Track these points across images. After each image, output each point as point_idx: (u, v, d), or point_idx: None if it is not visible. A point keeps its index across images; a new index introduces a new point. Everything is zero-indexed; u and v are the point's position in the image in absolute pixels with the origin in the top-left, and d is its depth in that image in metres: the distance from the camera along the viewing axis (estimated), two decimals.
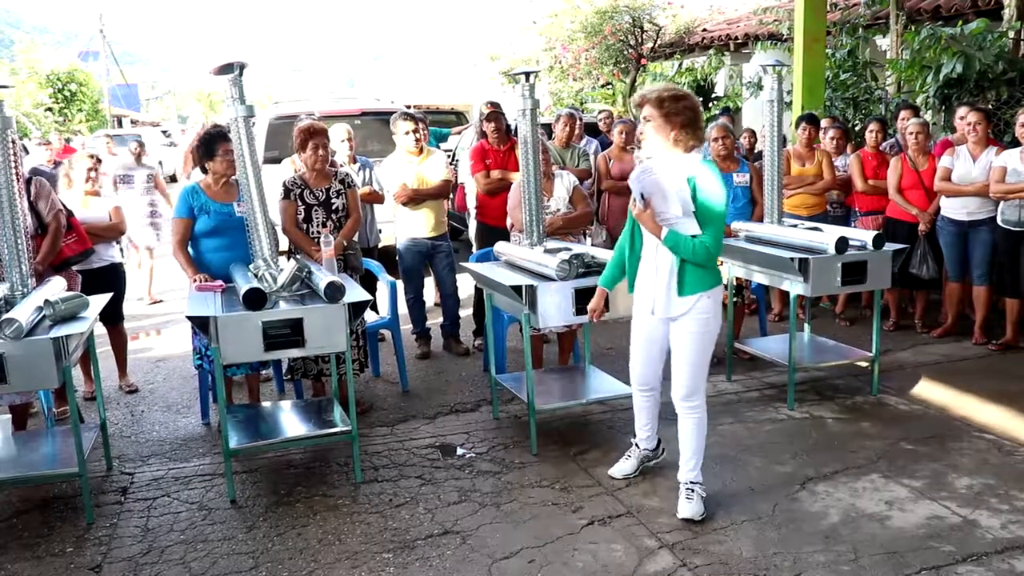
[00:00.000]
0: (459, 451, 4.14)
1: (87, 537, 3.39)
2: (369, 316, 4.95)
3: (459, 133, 10.28)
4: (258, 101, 18.19)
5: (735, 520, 3.34)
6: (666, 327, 3.39)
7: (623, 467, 3.76)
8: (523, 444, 4.15)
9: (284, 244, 4.53)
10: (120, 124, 33.65)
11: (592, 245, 5.30)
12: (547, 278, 3.95)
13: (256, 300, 3.49)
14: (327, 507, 3.58)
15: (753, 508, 3.44)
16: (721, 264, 4.71)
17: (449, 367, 5.55)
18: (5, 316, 3.21)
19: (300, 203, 4.56)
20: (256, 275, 3.81)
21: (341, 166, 5.44)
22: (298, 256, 4.29)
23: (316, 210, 4.57)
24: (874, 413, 4.48)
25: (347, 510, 3.55)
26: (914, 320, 6.12)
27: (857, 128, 7.88)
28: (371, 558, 3.16)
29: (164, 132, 27.85)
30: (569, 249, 4.12)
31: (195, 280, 4.15)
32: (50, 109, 27.92)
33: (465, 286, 6.23)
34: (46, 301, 3.46)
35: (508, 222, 5.07)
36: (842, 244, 4.33)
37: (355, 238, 4.78)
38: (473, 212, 6.31)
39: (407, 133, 5.56)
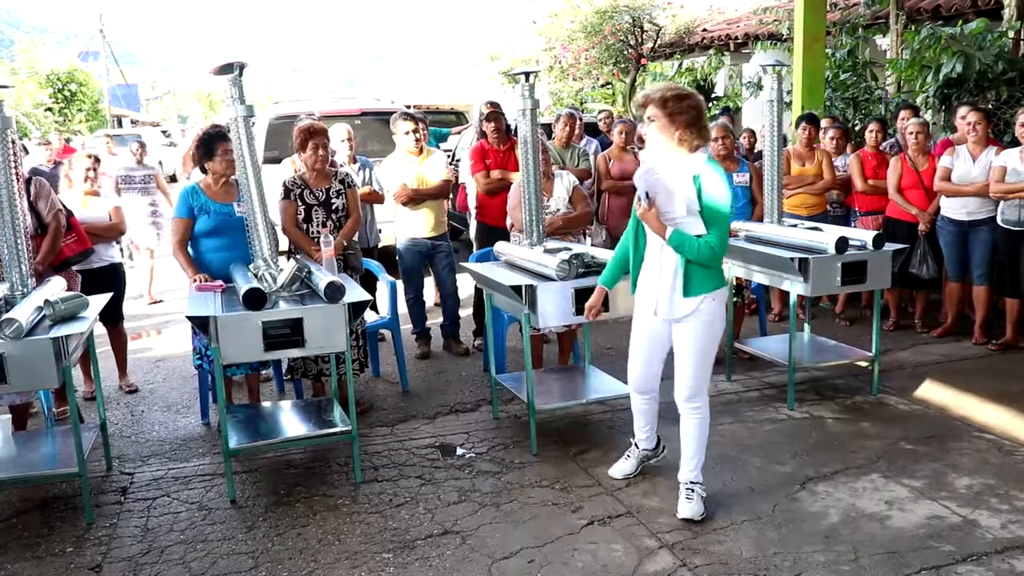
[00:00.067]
0: (459, 451, 4.14)
1: (87, 537, 3.40)
2: (369, 316, 4.94)
3: (459, 133, 10.29)
4: (258, 101, 18.18)
5: (735, 520, 3.34)
6: (669, 328, 3.37)
7: (623, 467, 3.76)
8: (523, 444, 4.15)
9: (284, 244, 4.53)
10: (120, 124, 33.65)
11: (592, 245, 5.30)
12: (547, 278, 3.95)
13: (256, 300, 3.49)
14: (327, 507, 3.58)
15: (753, 508, 3.44)
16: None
17: (449, 367, 5.55)
18: (5, 316, 3.21)
19: (300, 203, 4.56)
20: (256, 275, 3.81)
21: (341, 166, 5.44)
22: (298, 256, 4.29)
23: (316, 210, 4.57)
24: (874, 413, 4.48)
25: (347, 510, 3.55)
26: (914, 320, 6.12)
27: (857, 128, 7.88)
28: (371, 558, 3.16)
29: (164, 132, 27.85)
30: (569, 249, 4.11)
31: (195, 280, 4.15)
32: (50, 109, 27.93)
33: (465, 286, 6.23)
34: (46, 301, 3.46)
35: (508, 222, 5.07)
36: (842, 244, 4.33)
37: (355, 238, 4.78)
38: (473, 212, 6.31)
39: (407, 133, 5.56)
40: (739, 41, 12.27)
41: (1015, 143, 5.37)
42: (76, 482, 3.70)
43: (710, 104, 11.94)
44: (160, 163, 10.45)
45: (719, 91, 12.97)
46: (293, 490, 3.75)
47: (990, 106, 6.74)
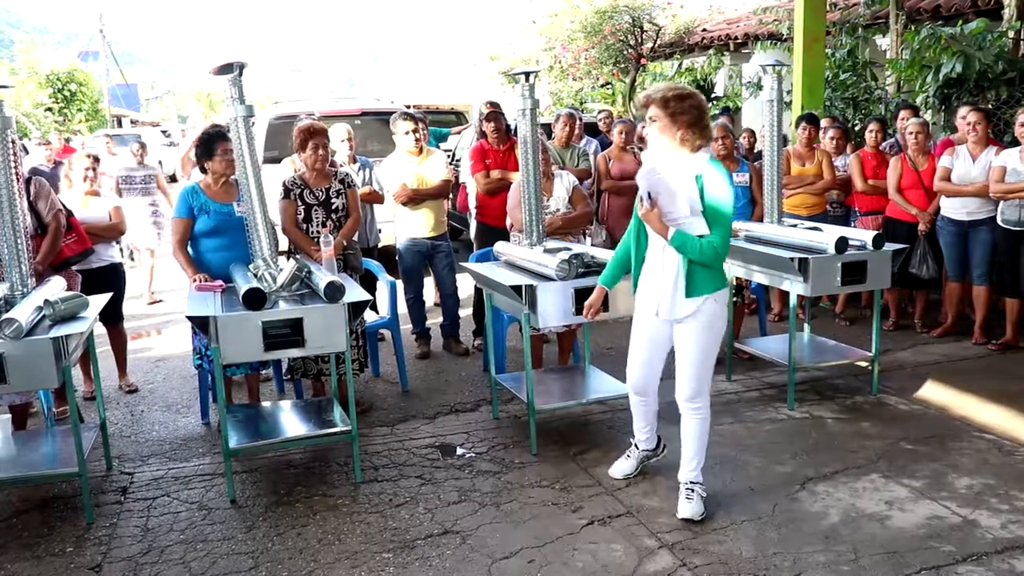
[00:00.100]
0: (459, 451, 4.14)
1: (87, 537, 3.39)
2: (369, 316, 4.94)
3: (459, 133, 10.29)
4: (258, 101, 18.20)
5: (735, 520, 3.34)
6: (669, 329, 3.36)
7: (623, 467, 3.76)
8: (523, 444, 4.15)
9: (284, 244, 4.53)
10: (120, 124, 33.66)
11: (592, 245, 5.30)
12: (547, 278, 3.95)
13: (256, 300, 3.49)
14: (327, 507, 3.58)
15: (753, 508, 3.44)
16: None
17: (449, 367, 5.55)
18: (5, 316, 3.21)
19: (300, 203, 4.56)
20: (256, 275, 3.81)
21: (341, 166, 5.44)
22: (298, 256, 4.29)
23: (316, 210, 4.57)
24: (874, 413, 4.48)
25: (347, 510, 3.55)
26: (914, 320, 6.12)
27: (857, 128, 7.88)
28: (371, 558, 3.16)
29: (164, 132, 27.85)
30: (569, 249, 4.11)
31: (195, 280, 4.15)
32: (50, 109, 27.93)
33: (465, 286, 6.23)
34: (46, 301, 3.46)
35: (508, 222, 5.07)
36: (842, 244, 4.33)
37: (355, 238, 4.78)
38: (473, 212, 6.31)
39: (407, 133, 5.56)
40: (739, 41, 12.27)
41: (1015, 143, 5.37)
42: (76, 482, 3.70)
43: (710, 104, 11.94)
44: (160, 163, 10.45)
45: (719, 91, 12.97)
46: (293, 490, 3.75)
47: (990, 106, 6.74)
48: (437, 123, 10.27)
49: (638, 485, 3.68)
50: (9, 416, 4.26)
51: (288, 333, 3.54)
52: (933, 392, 4.75)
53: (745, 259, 4.79)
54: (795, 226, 4.82)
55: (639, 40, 13.60)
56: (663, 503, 3.48)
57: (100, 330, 4.50)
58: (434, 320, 6.04)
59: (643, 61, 13.56)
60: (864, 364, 4.99)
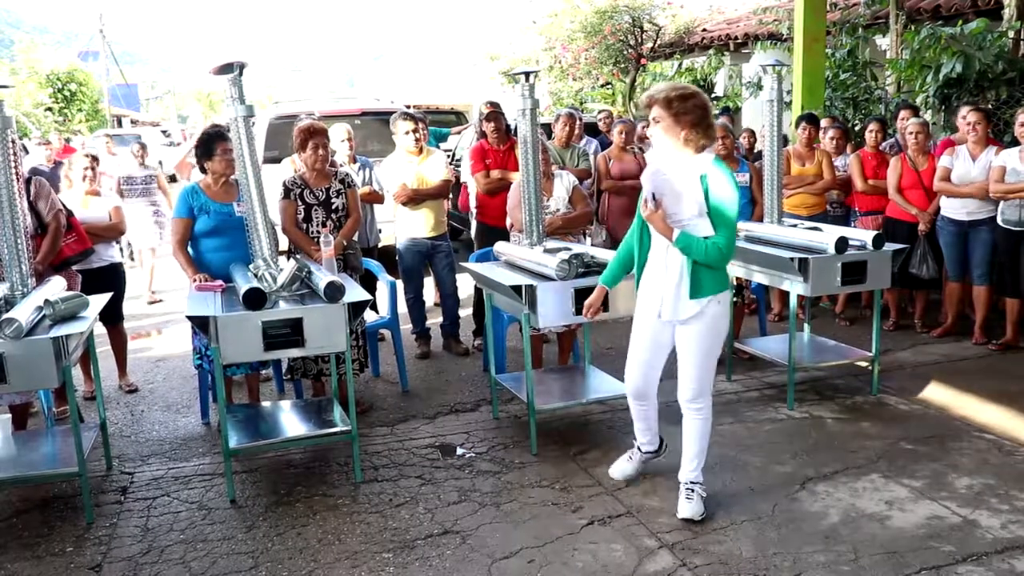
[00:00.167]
0: (459, 451, 4.14)
1: (87, 537, 3.39)
2: (369, 316, 4.94)
3: (459, 133, 10.29)
4: (258, 101, 18.20)
5: (735, 520, 3.34)
6: (671, 330, 3.33)
7: (624, 469, 3.71)
8: (523, 444, 4.15)
9: (284, 244, 4.53)
10: (120, 124, 33.66)
11: (592, 245, 5.30)
12: (547, 278, 3.95)
13: (256, 300, 3.49)
14: (327, 507, 3.58)
15: (753, 508, 3.44)
16: None
17: (449, 367, 5.55)
18: (5, 316, 3.21)
19: (300, 203, 4.56)
20: (256, 275, 3.81)
21: (341, 166, 5.44)
22: (298, 256, 4.29)
23: (316, 210, 4.57)
24: (874, 413, 4.48)
25: (347, 510, 3.55)
26: (914, 320, 6.12)
27: (857, 128, 7.88)
28: (371, 558, 3.16)
29: (164, 132, 27.87)
30: (569, 249, 4.11)
31: (195, 280, 4.15)
32: (50, 109, 27.94)
33: (465, 286, 6.23)
34: (46, 301, 3.46)
35: (508, 222, 5.07)
36: (842, 244, 4.33)
37: (355, 238, 4.78)
38: (474, 212, 6.32)
39: (407, 133, 5.56)
40: (739, 41, 12.27)
41: (1015, 143, 5.37)
42: (76, 482, 3.70)
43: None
44: (160, 163, 10.46)
45: (719, 91, 12.97)
46: (293, 490, 3.75)
47: (990, 106, 6.74)
48: (437, 123, 10.27)
49: (638, 485, 3.67)
50: (9, 416, 4.26)
51: (288, 333, 3.54)
52: (933, 392, 4.76)
53: (745, 259, 4.79)
54: (795, 226, 4.83)
55: (639, 40, 13.60)
56: (663, 503, 3.48)
57: (100, 330, 4.50)
58: (434, 320, 6.04)
59: (643, 61, 13.56)
60: (864, 364, 4.99)
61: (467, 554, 3.17)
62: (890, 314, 6.11)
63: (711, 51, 12.97)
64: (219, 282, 4.06)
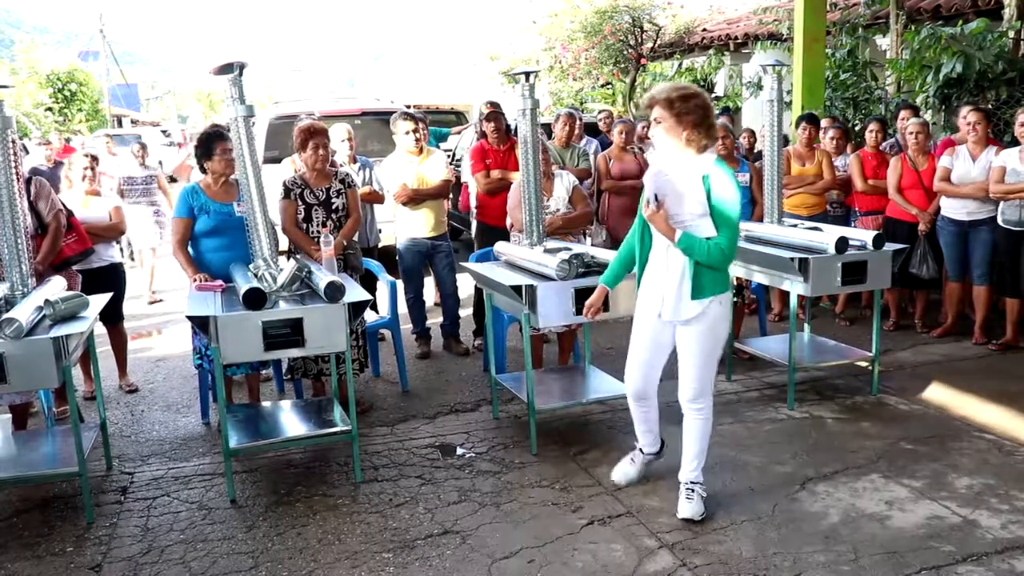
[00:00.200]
0: (459, 451, 4.14)
1: (87, 536, 3.40)
2: (369, 316, 4.95)
3: (459, 133, 10.29)
4: (258, 101, 18.18)
5: (735, 520, 3.34)
6: (672, 330, 3.32)
7: (627, 472, 3.67)
8: (523, 444, 4.15)
9: (284, 244, 4.53)
10: (120, 124, 33.66)
11: (592, 245, 5.30)
12: (547, 278, 3.95)
13: (256, 300, 3.49)
14: (327, 507, 3.58)
15: (753, 508, 3.44)
16: None
17: (449, 367, 5.55)
18: (5, 316, 3.21)
19: (300, 203, 4.56)
20: (256, 275, 3.81)
21: (341, 166, 5.44)
22: (298, 256, 4.29)
23: (316, 210, 4.57)
24: (874, 413, 4.48)
25: (347, 510, 3.55)
26: (914, 320, 6.12)
27: (857, 128, 7.88)
28: (371, 558, 3.16)
29: (164, 132, 27.85)
30: (569, 249, 4.11)
31: (195, 280, 4.15)
32: (50, 109, 27.94)
33: (465, 286, 6.23)
34: (46, 301, 3.46)
35: (508, 222, 5.08)
36: (842, 244, 4.33)
37: (355, 238, 4.78)
38: (474, 212, 6.32)
39: (407, 133, 5.56)
40: (739, 41, 12.27)
41: (1015, 143, 5.37)
42: (76, 481, 3.70)
43: None
44: (160, 163, 10.47)
45: (719, 91, 12.97)
46: (293, 490, 3.75)
47: (990, 106, 6.74)
48: (437, 123, 10.28)
49: (638, 485, 3.67)
50: (9, 416, 4.26)
51: (288, 333, 3.54)
52: (933, 392, 4.76)
53: (745, 259, 4.79)
54: (795, 226, 4.83)
55: (639, 40, 13.60)
56: (663, 503, 3.48)
57: (100, 330, 4.50)
58: (434, 320, 6.04)
59: (643, 61, 13.56)
60: (864, 364, 4.99)
61: (467, 554, 3.17)
62: (890, 314, 6.11)
63: (711, 51, 12.97)
64: (219, 282, 4.06)
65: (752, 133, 7.55)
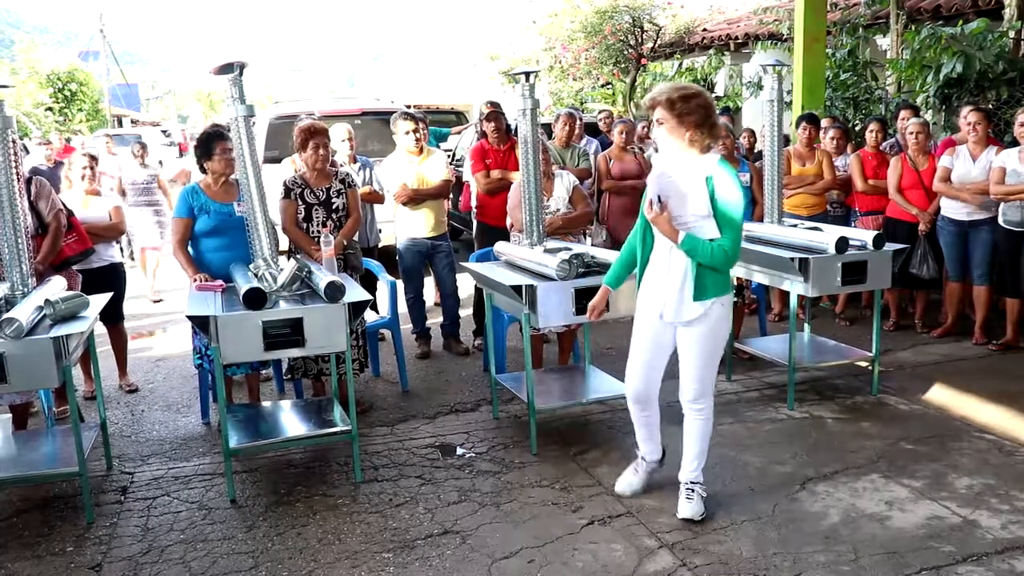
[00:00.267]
0: (459, 451, 4.14)
1: (87, 536, 3.40)
2: (369, 316, 4.95)
3: (459, 133, 10.29)
4: (258, 101, 18.17)
5: (735, 520, 3.34)
6: (673, 331, 3.30)
7: (631, 482, 3.59)
8: (523, 444, 4.15)
9: (284, 244, 4.53)
10: (120, 124, 33.65)
11: (592, 245, 5.30)
12: (547, 278, 3.95)
13: (256, 300, 3.49)
14: (327, 507, 3.58)
15: (753, 508, 3.44)
16: None
17: (449, 367, 5.55)
18: (5, 315, 3.21)
19: (300, 202, 4.56)
20: (256, 275, 3.81)
21: (341, 166, 5.44)
22: (298, 256, 4.29)
23: (316, 209, 4.57)
24: (874, 413, 4.48)
25: (347, 510, 3.55)
26: (914, 320, 6.12)
27: (857, 128, 7.88)
28: (371, 558, 3.16)
29: (164, 132, 27.84)
30: (569, 249, 4.11)
31: (195, 280, 4.16)
32: (50, 109, 27.94)
33: (465, 286, 6.23)
34: (46, 300, 3.46)
35: (508, 222, 5.08)
36: (842, 244, 4.33)
37: (355, 238, 4.78)
38: (474, 212, 6.32)
39: (407, 133, 5.56)
40: (739, 41, 12.27)
41: (1015, 143, 5.37)
42: (76, 481, 3.70)
43: None
44: (160, 163, 10.49)
45: (719, 91, 12.97)
46: (293, 490, 3.75)
47: (990, 106, 6.74)
48: (437, 123, 10.28)
49: None
50: (9, 416, 4.26)
51: (288, 333, 3.54)
52: (933, 392, 4.76)
53: (745, 259, 4.78)
54: (795, 226, 4.83)
55: (639, 40, 13.60)
56: (663, 503, 3.48)
57: (100, 330, 4.50)
58: (434, 320, 6.04)
59: (643, 61, 13.56)
60: (864, 364, 4.99)
61: (467, 554, 3.17)
62: (890, 314, 6.11)
63: (711, 51, 12.97)
64: (219, 282, 4.06)
65: (752, 133, 7.56)
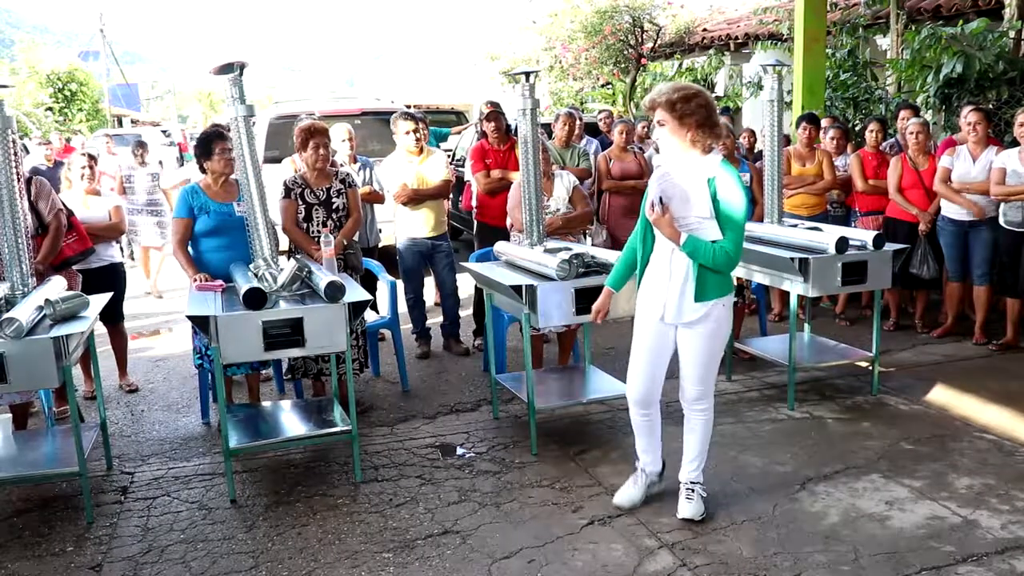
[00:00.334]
0: (459, 451, 4.14)
1: (87, 536, 3.40)
2: (369, 316, 4.95)
3: (459, 133, 10.29)
4: (258, 101, 18.17)
5: (735, 520, 3.34)
6: (674, 332, 3.28)
7: (631, 495, 3.50)
8: (523, 444, 4.15)
9: (284, 244, 4.53)
10: (120, 124, 33.63)
11: (592, 245, 5.30)
12: (547, 278, 3.95)
13: (256, 300, 3.49)
14: (327, 507, 3.58)
15: (753, 508, 3.44)
16: None
17: (449, 367, 5.55)
18: (5, 315, 3.21)
19: (300, 202, 4.56)
20: (256, 275, 3.81)
21: (342, 166, 5.44)
22: (298, 256, 4.29)
23: (316, 209, 4.57)
24: (874, 413, 4.48)
25: (347, 510, 3.55)
26: (914, 320, 6.12)
27: (857, 128, 7.88)
28: (371, 558, 3.16)
29: (164, 132, 27.83)
30: (569, 249, 4.11)
31: (195, 280, 4.16)
32: (50, 109, 27.92)
33: (465, 286, 6.23)
34: (46, 300, 3.46)
35: (508, 222, 5.08)
36: (842, 244, 4.33)
37: (355, 238, 4.78)
38: (474, 211, 6.32)
39: (407, 133, 5.56)
40: (739, 41, 12.27)
41: (1015, 143, 5.36)
42: (76, 481, 3.70)
43: None
44: (160, 163, 10.48)
45: (719, 91, 12.97)
46: (293, 490, 3.75)
47: (991, 106, 6.74)
48: (437, 123, 10.28)
49: None
50: (10, 415, 4.26)
51: (288, 333, 3.54)
52: (933, 392, 4.75)
53: (745, 259, 4.78)
54: (795, 226, 4.83)
55: (639, 40, 13.59)
56: (663, 503, 3.48)
57: (100, 330, 4.50)
58: (434, 320, 6.04)
59: (643, 61, 13.56)
60: (864, 364, 4.99)
61: (467, 554, 3.17)
62: (890, 314, 6.11)
63: (711, 51, 12.97)
64: (219, 282, 4.06)
65: (752, 133, 7.56)
